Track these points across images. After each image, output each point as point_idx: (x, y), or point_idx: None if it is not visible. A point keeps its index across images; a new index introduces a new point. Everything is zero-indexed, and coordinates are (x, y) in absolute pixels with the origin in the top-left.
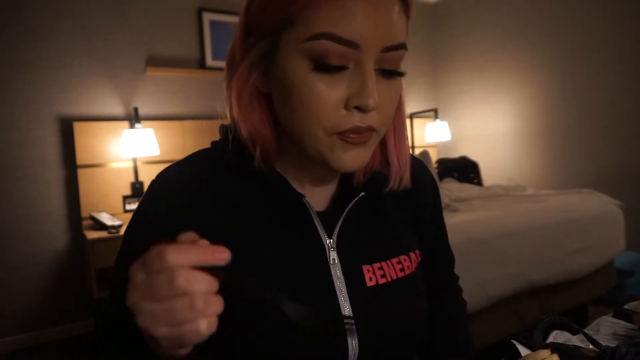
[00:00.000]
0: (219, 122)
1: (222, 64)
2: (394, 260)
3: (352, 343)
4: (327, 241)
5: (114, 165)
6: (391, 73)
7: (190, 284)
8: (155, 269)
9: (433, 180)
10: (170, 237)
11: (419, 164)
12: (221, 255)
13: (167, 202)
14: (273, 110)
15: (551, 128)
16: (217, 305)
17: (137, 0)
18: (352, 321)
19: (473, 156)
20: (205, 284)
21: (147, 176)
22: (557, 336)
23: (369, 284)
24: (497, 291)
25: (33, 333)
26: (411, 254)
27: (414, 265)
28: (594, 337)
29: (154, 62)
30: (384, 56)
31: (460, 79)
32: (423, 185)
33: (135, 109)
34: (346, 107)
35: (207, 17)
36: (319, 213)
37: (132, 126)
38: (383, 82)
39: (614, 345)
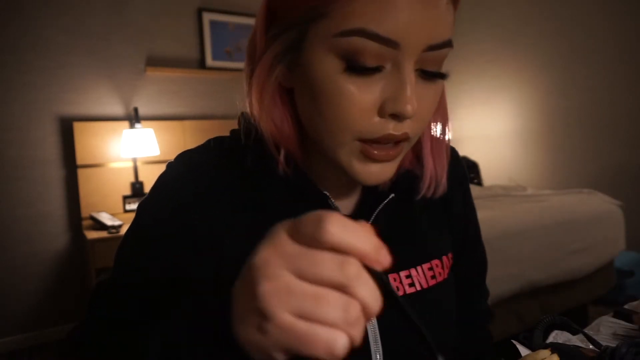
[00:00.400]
0: (219, 122)
1: (222, 63)
2: (425, 265)
3: (377, 356)
4: None
5: (114, 165)
6: (432, 75)
7: (358, 282)
8: (312, 238)
9: (464, 172)
10: (176, 238)
11: (452, 153)
12: (386, 257)
13: (174, 201)
14: (295, 106)
15: (551, 128)
16: (361, 327)
17: (137, 0)
18: (377, 334)
19: (473, 156)
20: (372, 293)
21: (147, 176)
22: (557, 336)
23: None
24: (497, 291)
25: (33, 333)
26: (444, 257)
27: (446, 270)
28: (594, 337)
29: (154, 62)
30: (427, 55)
31: (460, 79)
32: (454, 179)
33: (135, 109)
34: (380, 114)
35: (207, 17)
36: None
37: (132, 126)
38: (422, 85)
39: (614, 345)
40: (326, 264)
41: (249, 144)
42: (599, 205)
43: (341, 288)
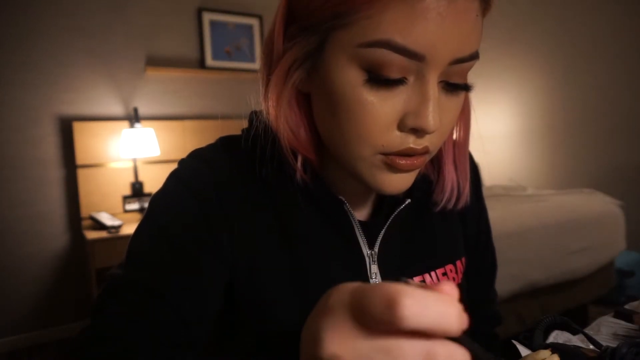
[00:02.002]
0: (219, 122)
1: (222, 63)
2: (439, 270)
3: None
4: (368, 252)
5: (114, 165)
6: (456, 87)
7: None
8: (385, 324)
9: (479, 175)
10: (195, 231)
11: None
12: (466, 321)
13: (191, 193)
14: (312, 111)
15: (551, 128)
16: None
17: (137, 0)
18: None
19: (473, 156)
20: None
21: (147, 176)
22: (558, 336)
23: None
24: (497, 291)
25: (33, 333)
26: (458, 262)
27: (460, 275)
28: (595, 337)
29: (154, 62)
30: (452, 68)
31: None
32: (471, 184)
33: (135, 109)
34: (400, 128)
35: (207, 17)
36: (360, 222)
37: (132, 126)
38: (445, 97)
39: (614, 345)
40: (410, 358)
41: (261, 148)
42: (600, 205)
43: None
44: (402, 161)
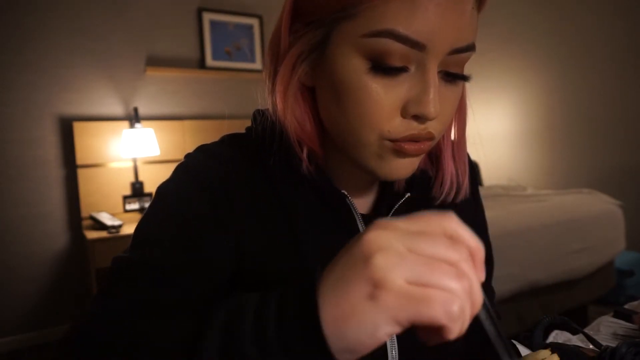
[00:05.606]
0: (219, 122)
1: (222, 63)
2: None
3: (392, 353)
4: None
5: (114, 165)
6: (455, 76)
7: (468, 264)
8: (437, 233)
9: (474, 171)
10: (200, 217)
11: None
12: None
13: (198, 183)
14: (316, 105)
15: (551, 128)
16: (469, 308)
17: (137, 0)
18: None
19: (473, 156)
20: (477, 279)
21: (147, 176)
22: (557, 336)
23: None
24: (497, 291)
25: (33, 333)
26: None
27: None
28: (594, 337)
29: (154, 62)
30: (450, 58)
31: None
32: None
33: (135, 109)
34: (403, 114)
35: (207, 17)
36: (362, 216)
37: (132, 126)
38: (444, 87)
39: (614, 345)
40: (439, 242)
41: (267, 140)
42: (599, 205)
43: (452, 265)
44: (408, 146)
